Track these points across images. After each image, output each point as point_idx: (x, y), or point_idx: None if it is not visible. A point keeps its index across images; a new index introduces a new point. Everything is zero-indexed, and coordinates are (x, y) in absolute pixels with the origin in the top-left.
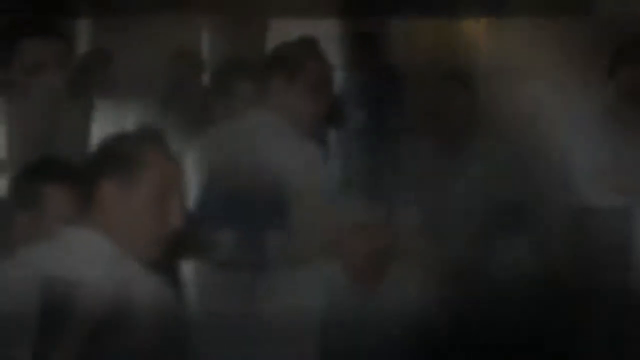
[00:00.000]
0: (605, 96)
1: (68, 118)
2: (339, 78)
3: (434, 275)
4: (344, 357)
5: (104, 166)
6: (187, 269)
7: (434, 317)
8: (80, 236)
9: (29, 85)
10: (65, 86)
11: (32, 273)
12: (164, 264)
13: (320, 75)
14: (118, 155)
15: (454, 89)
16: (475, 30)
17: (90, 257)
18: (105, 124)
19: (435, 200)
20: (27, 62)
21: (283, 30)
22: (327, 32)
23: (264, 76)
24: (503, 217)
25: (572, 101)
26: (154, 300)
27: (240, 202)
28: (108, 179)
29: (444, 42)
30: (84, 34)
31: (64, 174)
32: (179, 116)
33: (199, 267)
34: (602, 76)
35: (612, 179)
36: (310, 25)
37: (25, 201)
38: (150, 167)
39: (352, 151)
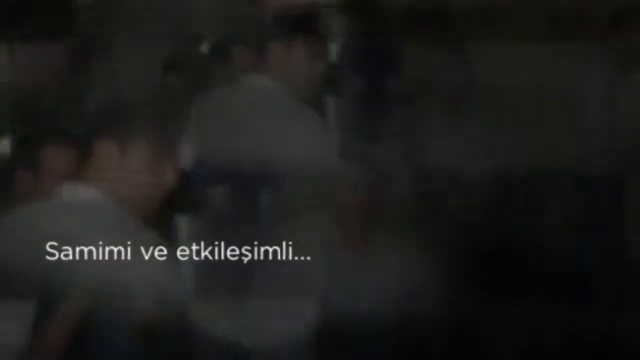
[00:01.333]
0: (599, 64)
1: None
2: (336, 45)
3: (427, 240)
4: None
5: (101, 126)
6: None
7: (424, 279)
8: (78, 194)
9: None
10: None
11: (31, 231)
12: (160, 221)
13: (319, 42)
14: (114, 116)
15: (451, 58)
16: None
17: (88, 214)
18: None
19: (433, 167)
20: None
21: None
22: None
23: (262, 43)
24: (501, 185)
25: (568, 71)
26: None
27: (234, 164)
28: (105, 138)
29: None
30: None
31: (62, 133)
32: (178, 82)
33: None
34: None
35: (609, 146)
36: None
37: (24, 160)
38: (146, 126)
39: (349, 118)
